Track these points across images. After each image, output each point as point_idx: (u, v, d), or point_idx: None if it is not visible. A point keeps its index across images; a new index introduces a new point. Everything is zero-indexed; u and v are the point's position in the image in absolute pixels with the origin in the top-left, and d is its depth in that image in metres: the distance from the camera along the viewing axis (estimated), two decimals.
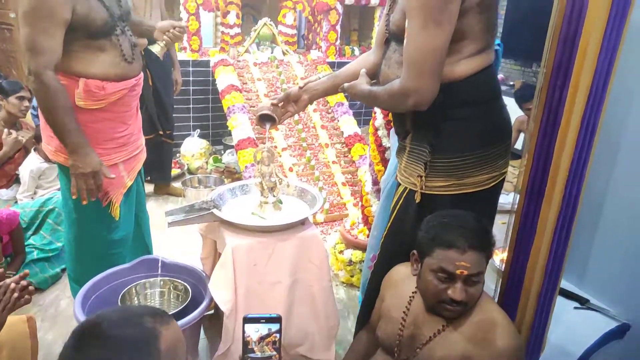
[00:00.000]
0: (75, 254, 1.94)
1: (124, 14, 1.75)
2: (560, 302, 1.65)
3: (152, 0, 2.96)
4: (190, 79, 4.10)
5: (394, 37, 1.37)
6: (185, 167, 3.93)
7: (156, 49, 1.97)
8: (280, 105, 1.65)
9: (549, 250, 1.40)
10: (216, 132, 4.46)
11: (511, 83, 4.78)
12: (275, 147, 3.50)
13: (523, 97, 3.52)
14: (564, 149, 1.25)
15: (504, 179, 1.40)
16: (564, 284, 1.84)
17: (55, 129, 1.61)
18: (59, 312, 2.15)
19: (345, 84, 1.48)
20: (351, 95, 1.47)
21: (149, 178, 3.36)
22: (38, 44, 1.49)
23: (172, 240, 2.75)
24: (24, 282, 1.26)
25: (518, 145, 4.05)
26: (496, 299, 1.73)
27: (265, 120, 1.67)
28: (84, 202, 1.69)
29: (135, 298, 1.84)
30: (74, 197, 1.70)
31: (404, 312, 1.32)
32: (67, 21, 1.54)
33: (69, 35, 1.58)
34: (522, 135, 4.03)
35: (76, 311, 1.67)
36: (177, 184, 3.53)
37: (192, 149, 3.98)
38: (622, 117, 1.66)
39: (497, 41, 1.40)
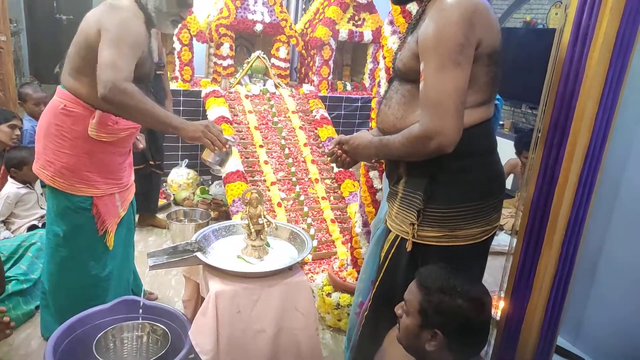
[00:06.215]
0: (58, 285, 1.93)
1: (158, 66, 2.01)
2: None
3: None
4: (181, 108, 4.06)
5: (398, 75, 1.34)
6: (172, 198, 3.85)
7: None
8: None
9: (546, 305, 1.36)
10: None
11: (501, 123, 4.83)
12: (264, 180, 3.45)
13: (527, 144, 3.33)
14: (561, 205, 1.22)
15: (495, 233, 1.37)
16: (559, 340, 1.79)
17: (155, 122, 1.64)
18: (30, 352, 2.03)
19: (344, 137, 1.42)
20: (353, 151, 1.40)
21: None
22: (119, 63, 1.58)
23: (156, 273, 2.66)
24: (6, 318, 1.31)
25: (507, 184, 4.06)
26: (490, 352, 1.68)
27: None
28: (223, 149, 1.67)
29: (112, 343, 1.75)
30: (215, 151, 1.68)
31: None
32: (139, 57, 1.66)
33: None
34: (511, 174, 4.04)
35: (47, 356, 1.58)
36: (162, 216, 3.44)
37: (179, 178, 3.91)
38: (618, 177, 1.65)
39: (497, 95, 1.38)
